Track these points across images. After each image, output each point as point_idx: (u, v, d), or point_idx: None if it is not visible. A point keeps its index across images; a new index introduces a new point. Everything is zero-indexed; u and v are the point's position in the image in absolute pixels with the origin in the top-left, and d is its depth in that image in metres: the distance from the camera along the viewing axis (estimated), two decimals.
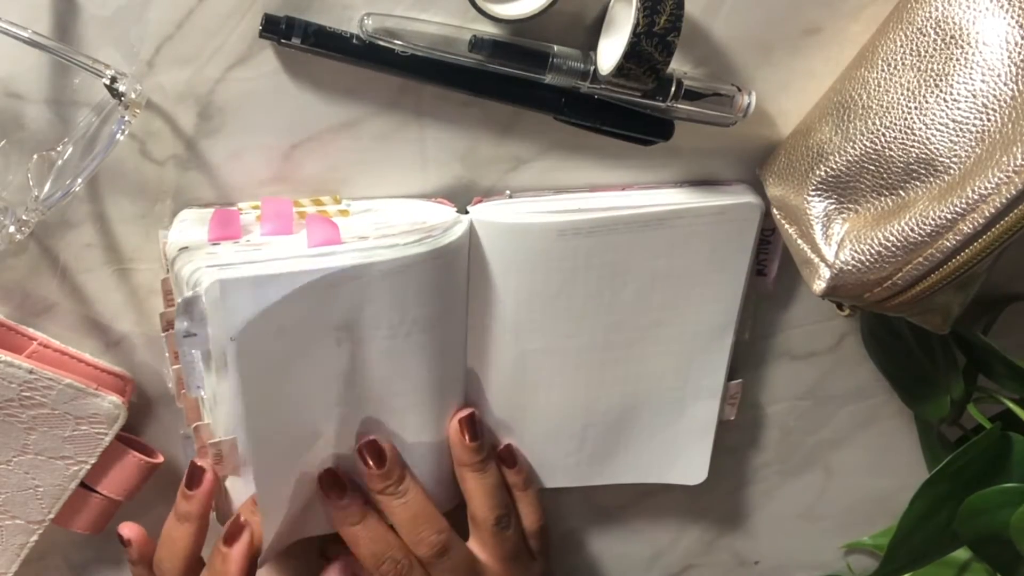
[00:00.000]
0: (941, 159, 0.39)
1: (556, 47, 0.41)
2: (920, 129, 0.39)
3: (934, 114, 0.39)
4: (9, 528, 0.45)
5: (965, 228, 0.37)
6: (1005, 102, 0.37)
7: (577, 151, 0.46)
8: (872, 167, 0.41)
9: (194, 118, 0.42)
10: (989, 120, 0.37)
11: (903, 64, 0.40)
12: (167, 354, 0.44)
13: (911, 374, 0.54)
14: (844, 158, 0.42)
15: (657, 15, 0.37)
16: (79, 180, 0.39)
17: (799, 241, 0.45)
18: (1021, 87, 0.37)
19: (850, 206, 0.42)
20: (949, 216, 0.37)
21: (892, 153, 0.40)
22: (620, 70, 0.39)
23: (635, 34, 0.38)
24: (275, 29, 0.40)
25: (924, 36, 0.40)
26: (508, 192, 0.46)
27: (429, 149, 0.45)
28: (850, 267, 0.41)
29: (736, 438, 0.58)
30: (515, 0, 0.40)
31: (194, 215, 0.43)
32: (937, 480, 0.48)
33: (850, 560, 0.65)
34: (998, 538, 0.48)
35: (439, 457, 0.48)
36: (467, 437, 0.47)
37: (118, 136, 0.39)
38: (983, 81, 0.38)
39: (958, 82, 0.38)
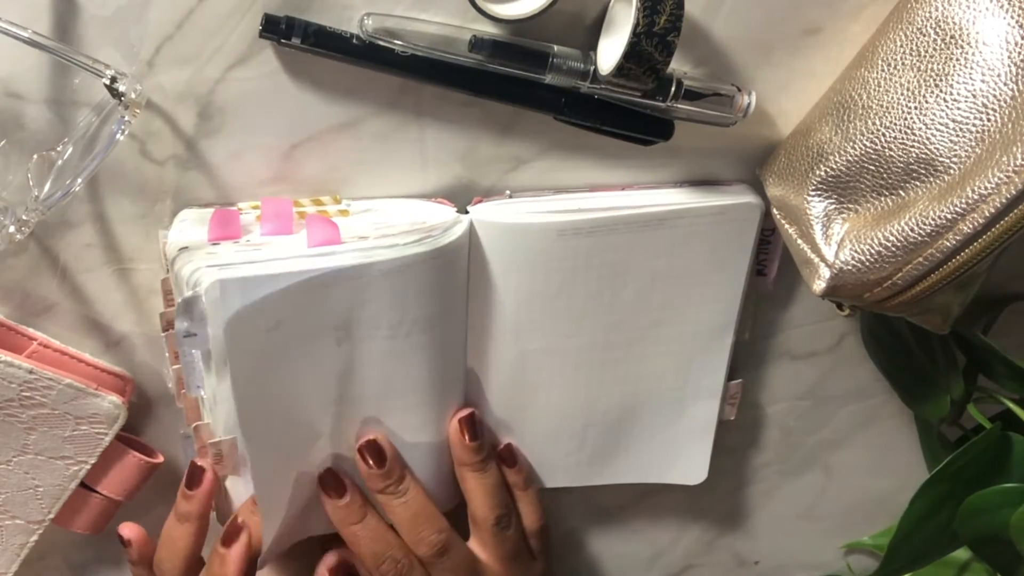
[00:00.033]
0: (941, 159, 0.39)
1: (556, 47, 0.41)
2: (920, 129, 0.39)
3: (934, 114, 0.39)
4: (9, 528, 0.45)
5: (965, 228, 0.37)
6: (1005, 102, 0.37)
7: (577, 151, 0.46)
8: (872, 167, 0.41)
9: (194, 118, 0.42)
10: (989, 120, 0.38)
11: (903, 64, 0.40)
12: (167, 354, 0.44)
13: (911, 374, 0.54)
14: (844, 158, 0.42)
15: (657, 15, 0.37)
16: (79, 180, 0.39)
17: (799, 241, 0.45)
18: (1021, 87, 0.37)
19: (850, 206, 0.42)
20: (949, 216, 0.37)
21: (892, 153, 0.40)
22: (620, 70, 0.39)
23: (635, 34, 0.38)
24: (275, 29, 0.40)
25: (924, 36, 0.40)
26: (508, 192, 0.46)
27: (429, 149, 0.45)
28: (850, 267, 0.41)
29: (736, 438, 0.58)
30: (515, 0, 0.40)
31: (194, 215, 0.43)
32: (937, 480, 0.48)
33: (850, 560, 0.65)
34: (998, 538, 0.48)
35: (439, 457, 0.48)
36: (467, 437, 0.47)
37: (118, 136, 0.39)
38: (983, 81, 0.38)
39: (958, 82, 0.38)
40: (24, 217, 0.39)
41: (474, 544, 0.49)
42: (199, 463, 0.44)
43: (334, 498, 0.45)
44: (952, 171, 0.38)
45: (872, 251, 0.40)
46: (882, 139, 0.41)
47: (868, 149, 0.41)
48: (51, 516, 0.46)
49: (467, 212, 0.44)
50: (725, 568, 0.64)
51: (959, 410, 0.53)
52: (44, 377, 0.43)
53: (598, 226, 0.45)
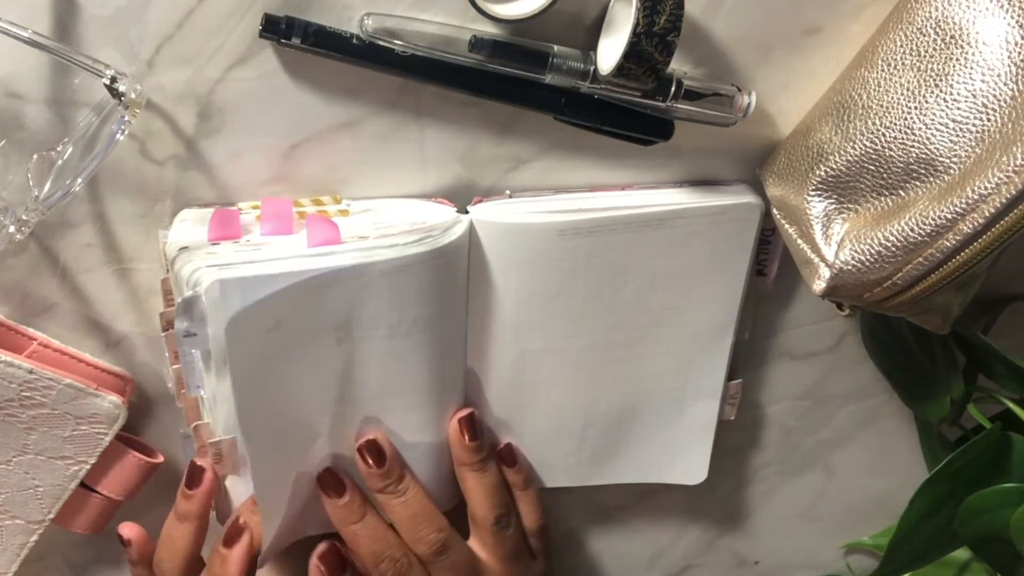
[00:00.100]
0: (941, 159, 0.39)
1: (556, 47, 0.41)
2: (920, 129, 0.39)
3: (934, 114, 0.39)
4: (9, 528, 0.45)
5: (965, 228, 0.37)
6: (1005, 102, 0.37)
7: (577, 151, 0.46)
8: (872, 167, 0.41)
9: (194, 118, 0.42)
10: (989, 120, 0.37)
11: (903, 64, 0.40)
12: (167, 354, 0.44)
13: (911, 374, 0.54)
14: (844, 158, 0.42)
15: (657, 15, 0.37)
16: (79, 180, 0.39)
17: (799, 241, 0.45)
18: (1021, 87, 0.37)
19: (850, 206, 0.42)
20: (949, 216, 0.37)
21: (892, 153, 0.40)
22: (620, 70, 0.39)
23: (635, 34, 0.38)
24: (275, 29, 0.40)
25: (924, 36, 0.40)
26: (508, 192, 0.46)
27: (429, 149, 0.45)
28: (850, 267, 0.41)
29: (736, 438, 0.58)
30: (515, 0, 0.40)
31: (194, 215, 0.43)
32: (937, 480, 0.48)
33: (850, 560, 0.65)
34: (998, 538, 0.48)
35: (439, 456, 0.48)
36: (467, 437, 0.47)
37: (118, 136, 0.39)
38: (983, 81, 0.38)
39: (958, 82, 0.38)
40: (24, 217, 0.39)
41: (474, 543, 0.49)
42: (199, 463, 0.44)
43: (333, 497, 0.45)
44: (952, 171, 0.38)
45: (872, 251, 0.40)
46: (882, 139, 0.41)
47: (868, 149, 0.41)
48: (51, 516, 0.46)
49: (467, 212, 0.44)
50: (725, 568, 0.64)
51: (959, 410, 0.53)
52: (44, 377, 0.43)
53: (598, 226, 0.45)
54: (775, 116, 0.47)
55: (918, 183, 0.40)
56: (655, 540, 0.61)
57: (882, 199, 0.41)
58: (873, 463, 0.61)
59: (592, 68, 0.41)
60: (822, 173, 0.43)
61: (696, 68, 0.45)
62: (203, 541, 0.45)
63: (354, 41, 0.40)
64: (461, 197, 0.46)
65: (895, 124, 0.40)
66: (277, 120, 0.43)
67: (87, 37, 0.40)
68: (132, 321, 0.46)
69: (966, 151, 0.38)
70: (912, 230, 0.38)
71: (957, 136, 0.38)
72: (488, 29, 0.41)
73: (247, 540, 0.44)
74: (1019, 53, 0.37)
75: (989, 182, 0.36)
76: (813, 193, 0.43)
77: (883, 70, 0.41)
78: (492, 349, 0.48)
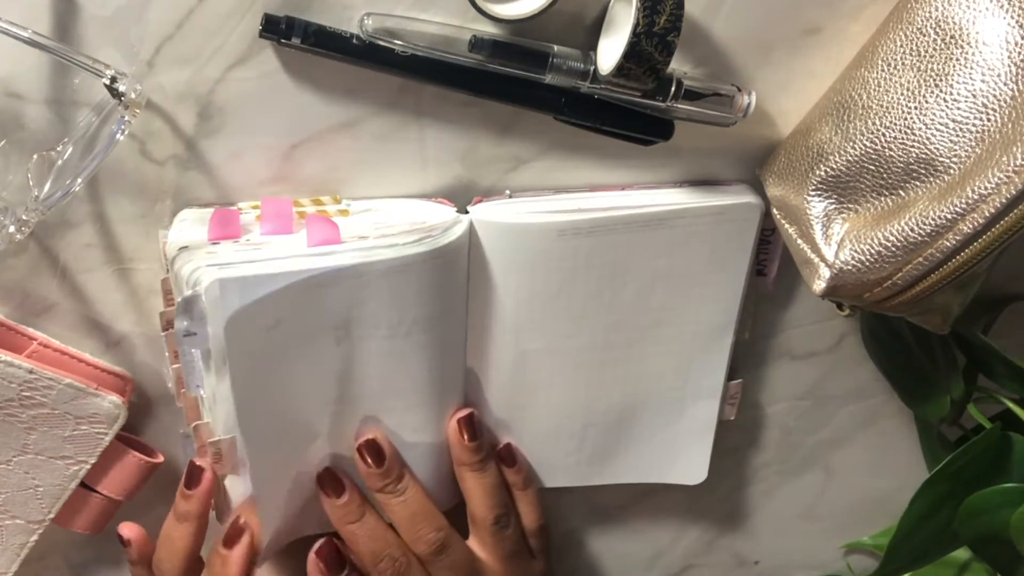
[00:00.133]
0: (941, 159, 0.39)
1: (556, 47, 0.41)
2: (920, 129, 0.39)
3: (934, 114, 0.39)
4: (9, 528, 0.45)
5: (965, 228, 0.37)
6: (1005, 102, 0.37)
7: (577, 151, 0.46)
8: (872, 167, 0.41)
9: (194, 118, 0.42)
10: (989, 120, 0.37)
11: (903, 64, 0.40)
12: (167, 354, 0.44)
13: (911, 374, 0.54)
14: (844, 158, 0.42)
15: (657, 15, 0.37)
16: (79, 180, 0.39)
17: (799, 241, 0.45)
18: (1021, 87, 0.37)
19: (850, 206, 0.42)
20: (949, 216, 0.37)
21: (892, 153, 0.40)
22: (620, 70, 0.39)
23: (635, 34, 0.38)
24: (275, 29, 0.40)
25: (924, 36, 0.40)
26: (508, 192, 0.46)
27: (429, 149, 0.45)
28: (850, 267, 0.41)
29: (736, 438, 0.58)
30: (515, 0, 0.40)
31: (194, 215, 0.43)
32: (937, 480, 0.48)
33: (850, 560, 0.65)
34: (998, 538, 0.48)
35: (438, 456, 0.48)
36: (466, 437, 0.47)
37: (118, 136, 0.39)
38: (983, 81, 0.38)
39: (958, 82, 0.38)
40: (24, 217, 0.39)
41: (473, 543, 0.49)
42: (198, 463, 0.44)
43: (332, 497, 0.45)
44: (952, 171, 0.38)
45: (872, 251, 0.40)
46: (882, 139, 0.41)
47: (868, 149, 0.41)
48: (51, 516, 0.46)
49: (467, 212, 0.44)
50: (725, 568, 0.64)
51: (959, 410, 0.53)
52: (44, 377, 0.43)
53: (598, 226, 0.45)
54: (775, 116, 0.47)
55: (918, 183, 0.40)
56: (655, 540, 0.61)
57: (882, 199, 0.41)
58: (873, 463, 0.61)
59: (592, 68, 0.41)
60: (822, 173, 0.43)
61: (696, 68, 0.45)
62: (202, 541, 0.45)
63: (354, 41, 0.40)
64: (461, 197, 0.46)
65: (895, 124, 0.40)
66: (277, 120, 0.43)
67: (87, 37, 0.40)
68: (132, 321, 0.46)
69: (966, 151, 0.38)
70: (912, 230, 0.38)
71: (957, 136, 0.38)
72: (488, 29, 0.41)
73: (247, 541, 0.44)
74: (1019, 53, 0.37)
75: (989, 182, 0.36)
76: (813, 193, 0.43)
77: (883, 70, 0.41)
78: (492, 349, 0.48)
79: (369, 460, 0.45)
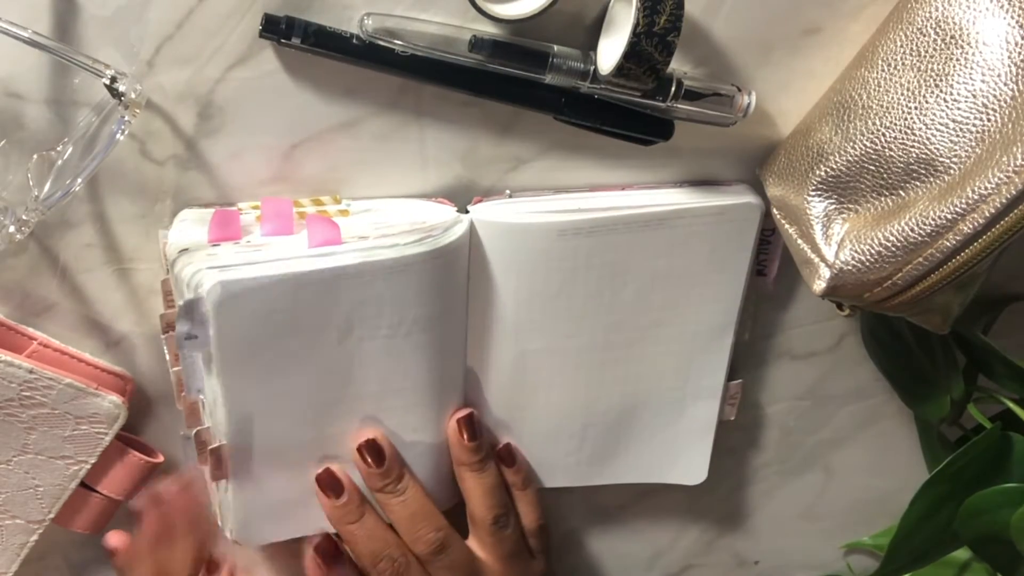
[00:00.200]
0: (941, 159, 0.39)
1: (556, 47, 0.41)
2: (920, 129, 0.39)
3: (934, 114, 0.39)
4: (9, 528, 0.45)
5: (965, 228, 0.37)
6: (1005, 102, 0.37)
7: (577, 151, 0.46)
8: (872, 167, 0.41)
9: (194, 118, 0.42)
10: (989, 120, 0.37)
11: (903, 64, 0.40)
12: (167, 356, 0.44)
13: (911, 374, 0.54)
14: (844, 158, 0.42)
15: (657, 15, 0.37)
16: (79, 180, 0.39)
17: (799, 241, 0.45)
18: (1021, 87, 0.37)
19: (850, 206, 0.42)
20: (949, 216, 0.37)
21: (892, 153, 0.40)
22: (620, 70, 0.39)
23: (635, 34, 0.38)
24: (275, 29, 0.40)
25: (924, 36, 0.40)
26: (508, 192, 0.46)
27: (429, 149, 0.45)
28: (850, 267, 0.41)
29: (736, 438, 0.58)
30: (515, 0, 0.40)
31: (194, 215, 0.43)
32: (937, 480, 0.48)
33: (850, 560, 0.65)
34: (998, 538, 0.48)
35: (438, 456, 0.48)
36: (466, 437, 0.47)
37: (118, 136, 0.39)
38: (983, 81, 0.38)
39: (958, 82, 0.38)
40: (24, 217, 0.39)
41: (472, 543, 0.49)
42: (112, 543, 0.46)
43: (332, 498, 0.45)
44: (952, 171, 0.38)
45: (872, 251, 0.40)
46: (882, 139, 0.41)
47: (868, 149, 0.41)
48: (51, 516, 0.46)
49: (467, 212, 0.44)
50: (725, 568, 0.64)
51: (959, 410, 0.53)
52: (44, 377, 0.43)
53: (598, 226, 0.45)
54: (775, 116, 0.47)
55: (918, 183, 0.40)
56: (655, 540, 0.61)
57: (882, 199, 0.41)
58: (873, 463, 0.61)
59: (592, 68, 0.41)
60: (822, 173, 0.43)
61: (696, 68, 0.45)
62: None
63: (354, 41, 0.40)
64: (461, 197, 0.46)
65: (895, 124, 0.40)
66: (277, 120, 0.43)
67: (87, 37, 0.40)
68: (132, 321, 0.46)
69: (966, 151, 0.38)
70: (912, 230, 0.38)
71: (957, 136, 0.38)
72: (488, 29, 0.41)
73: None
74: (1019, 53, 0.37)
75: (989, 182, 0.36)
76: (813, 193, 0.43)
77: (883, 70, 0.41)
78: (492, 349, 0.48)
79: (369, 460, 0.45)
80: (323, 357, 0.42)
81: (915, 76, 0.40)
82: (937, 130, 0.39)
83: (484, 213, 0.44)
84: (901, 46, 0.41)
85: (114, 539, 0.47)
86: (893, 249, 0.39)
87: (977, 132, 0.38)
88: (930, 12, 0.40)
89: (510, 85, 0.42)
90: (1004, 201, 0.36)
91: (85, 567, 0.52)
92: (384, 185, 0.46)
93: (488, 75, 0.41)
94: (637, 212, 0.45)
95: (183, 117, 0.42)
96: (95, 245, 0.44)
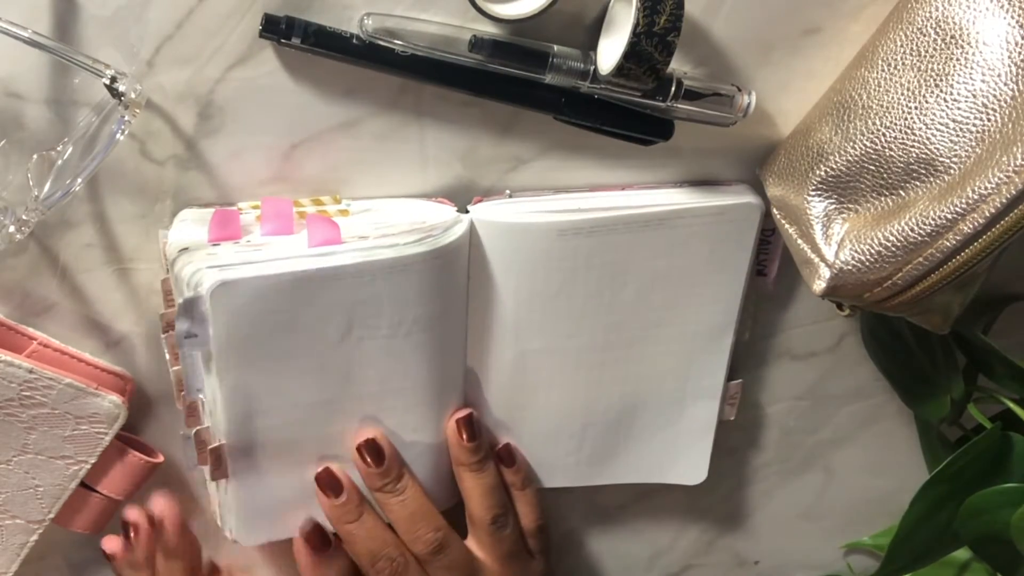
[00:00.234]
0: (941, 159, 0.39)
1: (556, 47, 0.41)
2: (920, 129, 0.39)
3: (934, 114, 0.39)
4: (9, 528, 0.45)
5: (965, 228, 0.37)
6: (1005, 102, 0.37)
7: (577, 151, 0.46)
8: (872, 167, 0.41)
9: (194, 118, 0.42)
10: (989, 120, 0.37)
11: (903, 64, 0.40)
12: (167, 356, 0.44)
13: (911, 374, 0.54)
14: (844, 158, 0.42)
15: (657, 15, 0.37)
16: (79, 180, 0.39)
17: (799, 241, 0.45)
18: (1021, 87, 0.37)
19: (850, 206, 0.42)
20: (949, 216, 0.37)
21: (892, 153, 0.40)
22: (620, 70, 0.39)
23: (635, 34, 0.38)
24: (275, 29, 0.40)
25: (924, 36, 0.40)
26: (508, 192, 0.46)
27: (429, 149, 0.45)
28: (850, 267, 0.41)
29: (736, 438, 0.58)
30: (515, 0, 0.40)
31: (194, 215, 0.43)
32: (937, 480, 0.48)
33: (850, 560, 0.65)
34: (998, 538, 0.48)
35: (437, 456, 0.48)
36: (465, 437, 0.47)
37: (118, 136, 0.39)
38: (983, 81, 0.38)
39: (958, 82, 0.38)
40: (24, 217, 0.39)
41: (471, 543, 0.49)
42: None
43: (331, 497, 0.45)
44: (952, 171, 0.38)
45: (872, 251, 0.40)
46: (882, 139, 0.41)
47: (868, 149, 0.41)
48: (51, 516, 0.46)
49: (467, 212, 0.45)
50: (725, 568, 0.64)
51: (959, 410, 0.53)
52: (44, 377, 0.43)
53: (598, 226, 0.45)
54: (775, 116, 0.47)
55: (918, 183, 0.40)
56: (655, 540, 0.61)
57: (882, 199, 0.41)
58: (873, 463, 0.61)
59: (592, 68, 0.41)
60: (822, 173, 0.43)
61: (696, 68, 0.45)
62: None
63: (354, 41, 0.40)
64: (461, 197, 0.46)
65: (895, 124, 0.40)
66: (277, 120, 0.43)
67: (87, 37, 0.40)
68: (132, 321, 0.46)
69: (966, 151, 0.38)
70: (912, 230, 0.38)
71: (957, 136, 0.38)
72: (488, 29, 0.41)
73: None
74: (1019, 53, 0.37)
75: (989, 182, 0.36)
76: (813, 193, 0.43)
77: (883, 70, 0.41)
78: (492, 349, 0.48)
79: (368, 460, 0.45)
80: (323, 356, 0.42)
81: (915, 76, 0.40)
82: (937, 130, 0.39)
83: (484, 213, 0.44)
84: (901, 46, 0.41)
85: (111, 544, 0.47)
86: (893, 249, 0.39)
87: (977, 132, 0.38)
88: (930, 12, 0.40)
89: (510, 85, 0.42)
90: (1004, 201, 0.36)
91: (85, 567, 0.52)
92: (384, 185, 0.46)
93: (488, 75, 0.41)
94: (637, 212, 0.45)
95: (183, 117, 0.42)
96: (95, 245, 0.44)
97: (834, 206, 0.43)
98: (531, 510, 0.50)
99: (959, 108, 0.38)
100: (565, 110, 0.43)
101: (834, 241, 0.42)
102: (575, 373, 0.49)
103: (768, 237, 0.50)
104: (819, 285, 0.42)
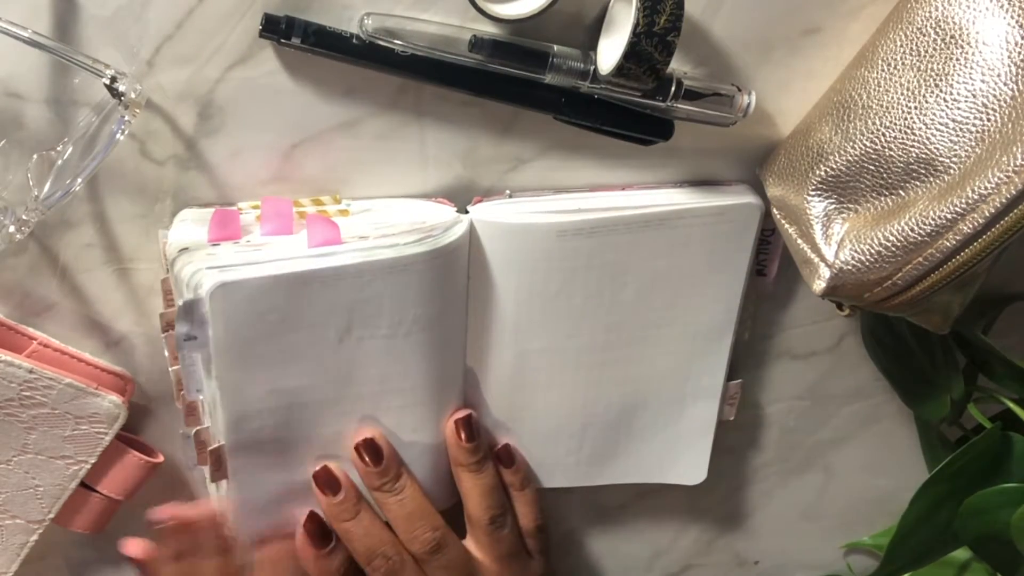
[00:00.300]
0: (941, 159, 0.39)
1: (556, 47, 0.41)
2: (920, 129, 0.39)
3: (934, 114, 0.39)
4: (9, 528, 0.45)
5: (965, 228, 0.37)
6: (1005, 102, 0.37)
7: (577, 151, 0.46)
8: (872, 167, 0.41)
9: (194, 118, 0.42)
10: (989, 120, 0.37)
11: (903, 64, 0.40)
12: (167, 355, 0.44)
13: (911, 374, 0.54)
14: (844, 158, 0.42)
15: (657, 15, 0.37)
16: (79, 180, 0.39)
17: (799, 241, 0.45)
18: (1021, 87, 0.37)
19: (850, 206, 0.42)
20: (949, 216, 0.37)
21: (892, 153, 0.40)
22: (620, 70, 0.39)
23: (635, 34, 0.38)
24: (275, 29, 0.40)
25: (924, 36, 0.40)
26: (508, 192, 0.46)
27: (429, 149, 0.45)
28: (850, 267, 0.41)
29: (736, 438, 0.58)
30: (515, 0, 0.40)
31: (194, 215, 0.43)
32: (937, 480, 0.48)
33: (850, 560, 0.65)
34: (998, 538, 0.48)
35: (437, 456, 0.48)
36: (463, 438, 0.47)
37: (118, 136, 0.39)
38: (983, 81, 0.38)
39: (958, 82, 0.38)
40: (24, 217, 0.39)
41: (470, 543, 0.49)
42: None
43: (328, 495, 0.45)
44: (952, 171, 0.38)
45: (872, 251, 0.40)
46: (882, 139, 0.41)
47: (868, 149, 0.41)
48: (51, 516, 0.46)
49: (467, 212, 0.45)
50: (725, 568, 0.64)
51: (959, 410, 0.53)
52: (44, 377, 0.43)
53: (598, 226, 0.45)
54: (775, 116, 0.47)
55: (918, 183, 0.40)
56: (655, 540, 0.61)
57: (882, 199, 0.41)
58: (873, 463, 0.61)
59: (592, 68, 0.41)
60: (822, 173, 0.43)
61: (696, 68, 0.45)
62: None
63: (354, 41, 0.40)
64: (461, 197, 0.46)
65: (895, 124, 0.40)
66: (277, 120, 0.43)
67: (87, 37, 0.40)
68: (132, 321, 0.46)
69: (966, 151, 0.38)
70: (912, 230, 0.38)
71: (957, 136, 0.38)
72: (488, 29, 0.41)
73: None
74: (1019, 53, 0.37)
75: (989, 182, 0.36)
76: (813, 193, 0.43)
77: (883, 70, 0.41)
78: (492, 349, 0.48)
79: (367, 459, 0.45)
80: (322, 356, 0.42)
81: (915, 76, 0.40)
82: (937, 130, 0.39)
83: (484, 213, 0.44)
84: (901, 46, 0.41)
85: (135, 548, 0.45)
86: (893, 249, 0.39)
87: (977, 132, 0.38)
88: (930, 12, 0.40)
89: (510, 85, 0.42)
90: (1004, 201, 0.36)
91: (85, 567, 0.52)
92: (384, 185, 0.46)
93: (488, 75, 0.41)
94: (637, 212, 0.45)
95: (183, 117, 0.42)
96: (95, 245, 0.44)
97: (834, 206, 0.43)
98: (530, 510, 0.50)
99: (959, 108, 0.38)
100: (565, 110, 0.43)
101: (834, 241, 0.42)
102: (575, 373, 0.49)
103: (768, 237, 0.50)
104: (819, 285, 0.42)
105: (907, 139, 0.40)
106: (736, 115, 0.44)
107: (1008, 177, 0.36)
